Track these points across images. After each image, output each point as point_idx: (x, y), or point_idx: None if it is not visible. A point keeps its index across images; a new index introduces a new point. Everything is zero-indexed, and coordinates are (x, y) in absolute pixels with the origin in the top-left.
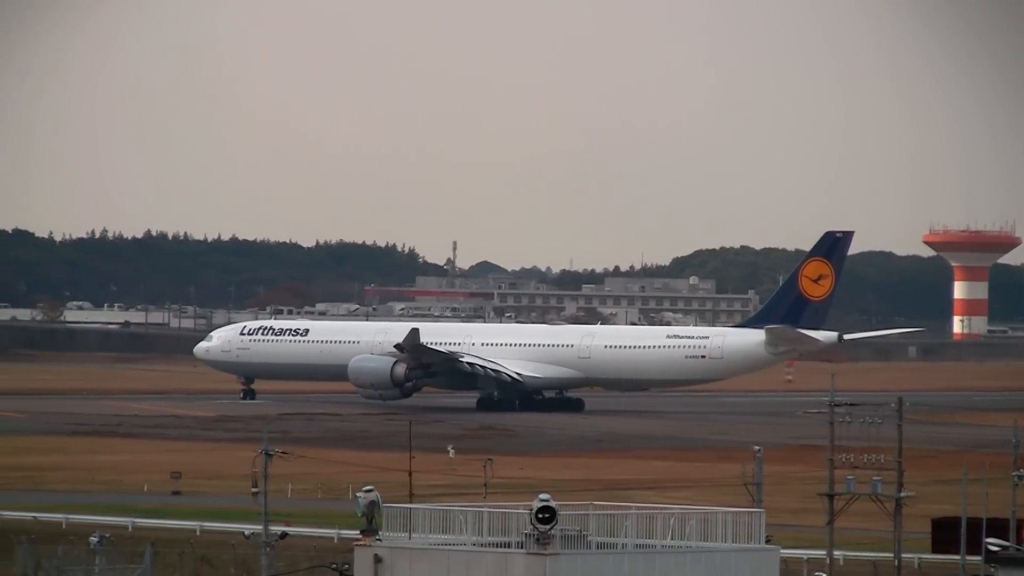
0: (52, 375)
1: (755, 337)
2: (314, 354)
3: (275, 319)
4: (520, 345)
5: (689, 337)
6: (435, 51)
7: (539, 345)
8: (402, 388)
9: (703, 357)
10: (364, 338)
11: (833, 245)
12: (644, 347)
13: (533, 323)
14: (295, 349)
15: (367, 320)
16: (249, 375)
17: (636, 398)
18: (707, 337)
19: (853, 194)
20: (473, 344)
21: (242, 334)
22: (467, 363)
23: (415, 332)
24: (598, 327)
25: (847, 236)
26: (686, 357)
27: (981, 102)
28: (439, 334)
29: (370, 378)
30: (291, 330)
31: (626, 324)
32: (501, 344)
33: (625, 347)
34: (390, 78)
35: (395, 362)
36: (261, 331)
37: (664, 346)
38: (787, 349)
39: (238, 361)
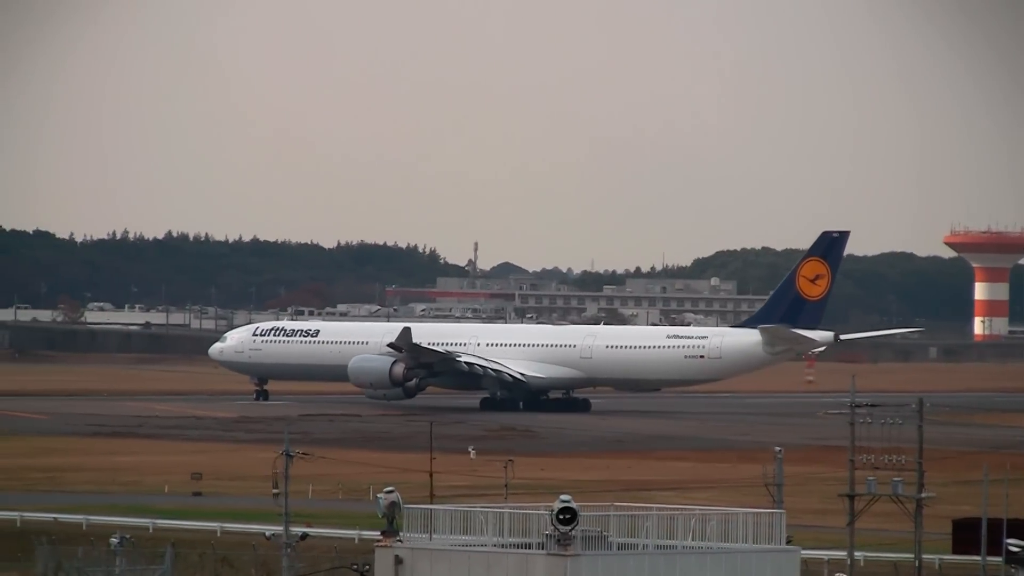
0: (73, 376)
1: (753, 337)
2: (324, 355)
3: (290, 320)
4: (523, 345)
5: (688, 337)
6: (457, 54)
7: (542, 345)
8: (405, 388)
9: (702, 357)
10: (373, 339)
11: (830, 245)
12: (644, 347)
13: (538, 324)
14: (305, 350)
15: (386, 320)
16: (261, 376)
17: (650, 399)
18: (706, 337)
19: (873, 195)
20: (478, 344)
21: (254, 335)
22: (465, 363)
23: (407, 331)
24: (600, 327)
25: (843, 236)
26: (685, 357)
27: (1001, 103)
28: (445, 335)
29: (369, 377)
30: (302, 331)
31: (647, 325)
32: (505, 344)
33: (626, 347)
34: (411, 81)
35: (394, 362)
36: (273, 332)
37: (664, 346)
38: (784, 349)
39: (250, 362)
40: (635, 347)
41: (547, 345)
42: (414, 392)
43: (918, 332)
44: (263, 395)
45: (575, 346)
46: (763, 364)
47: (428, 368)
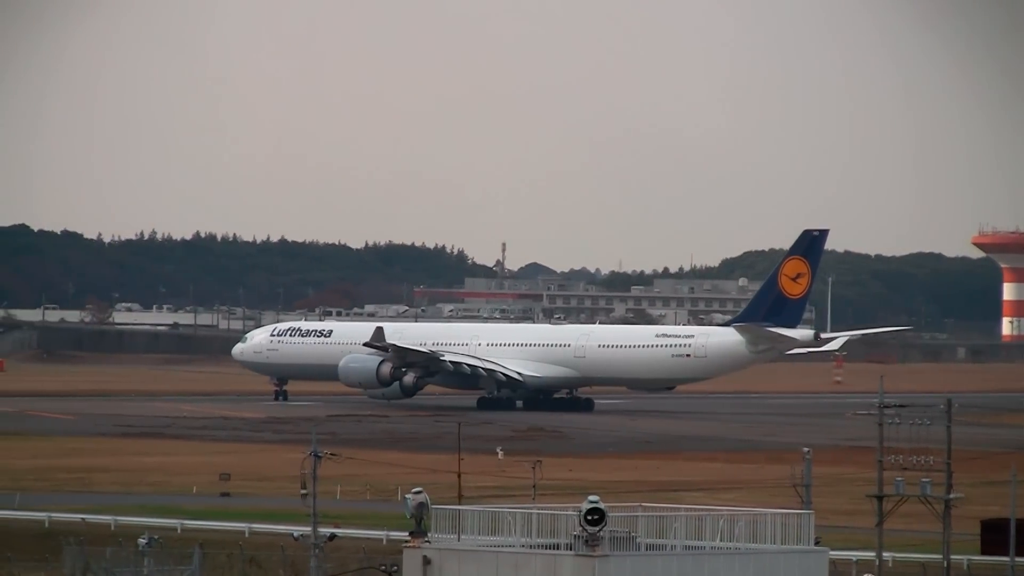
0: (101, 377)
1: (737, 336)
2: (336, 355)
3: (305, 320)
4: (522, 345)
5: (676, 336)
6: (482, 57)
7: (540, 345)
8: (403, 387)
9: (688, 356)
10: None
11: (811, 244)
12: (634, 346)
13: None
14: (319, 350)
15: (413, 320)
16: (277, 375)
17: (673, 400)
18: (692, 336)
19: (901, 195)
20: (479, 344)
21: (272, 335)
22: (449, 362)
23: (379, 331)
24: (594, 327)
25: (823, 234)
26: (672, 356)
27: None
28: (449, 335)
29: (358, 377)
30: (316, 331)
31: (675, 324)
32: (505, 344)
33: (617, 346)
34: (438, 83)
35: (381, 361)
36: (289, 332)
37: (653, 345)
38: (767, 348)
39: (268, 362)
40: (625, 346)
41: (543, 345)
42: (412, 392)
43: (907, 331)
44: (283, 395)
45: (569, 345)
46: (747, 363)
47: (425, 368)
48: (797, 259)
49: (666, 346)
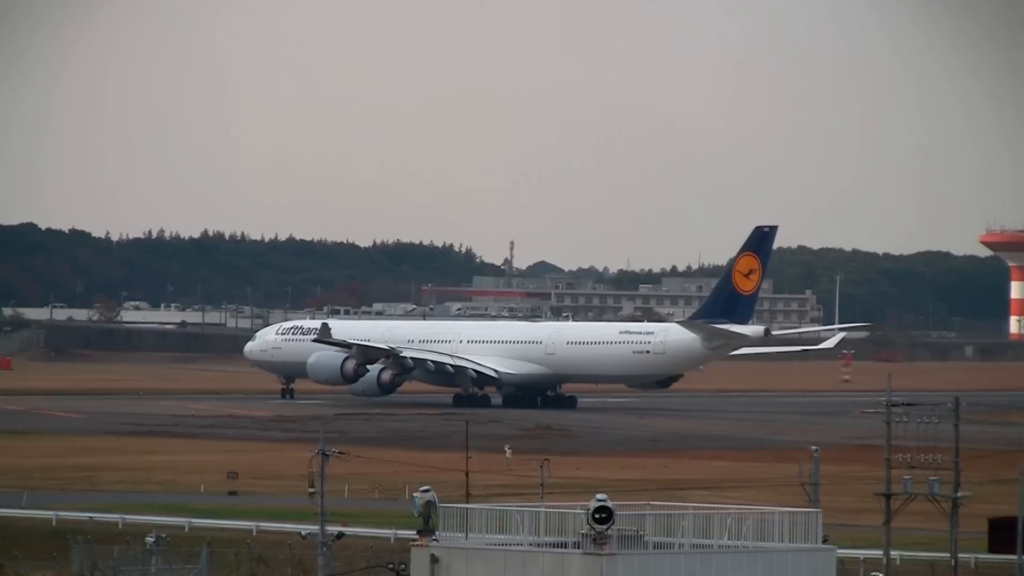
0: (109, 375)
1: (693, 332)
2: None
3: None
4: (499, 342)
5: (637, 333)
6: (490, 55)
7: (514, 342)
8: (381, 385)
9: (648, 352)
10: (374, 335)
11: (761, 240)
12: (599, 343)
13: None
14: (317, 348)
15: (421, 319)
16: (283, 373)
17: (677, 398)
18: (652, 333)
19: (909, 194)
20: (461, 342)
21: (277, 333)
22: (410, 359)
23: (325, 327)
24: (564, 323)
25: (773, 230)
26: (634, 352)
27: None
28: (432, 332)
29: (324, 374)
30: (316, 329)
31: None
32: (484, 342)
33: (584, 343)
34: (449, 79)
35: (345, 358)
36: (292, 330)
37: (616, 342)
38: (721, 344)
39: (272, 360)
40: (591, 343)
41: (518, 342)
42: (390, 389)
43: (865, 328)
44: (289, 394)
45: (541, 343)
46: (704, 359)
47: (400, 366)
48: (749, 255)
49: (628, 343)
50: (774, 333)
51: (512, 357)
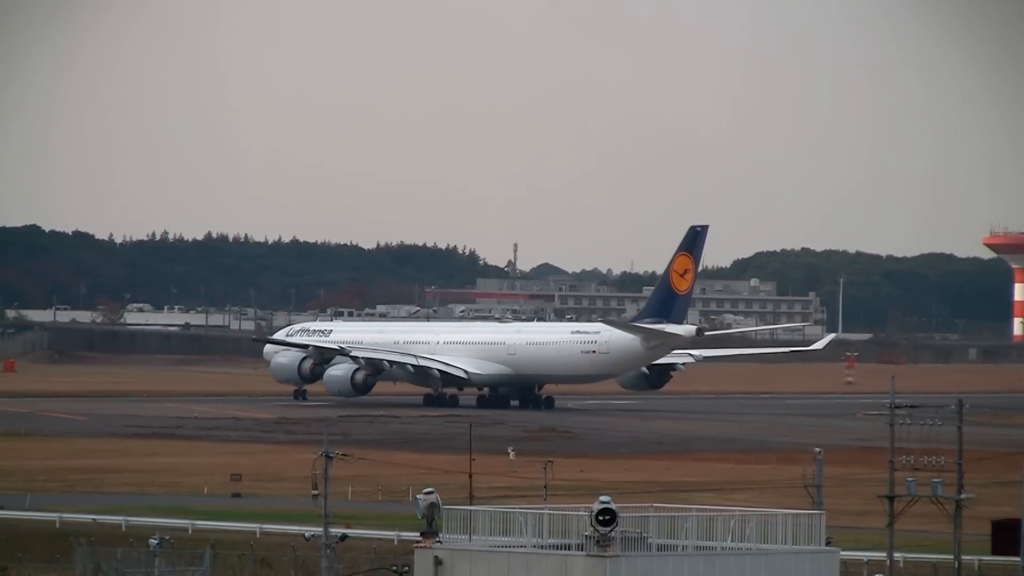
0: (112, 377)
1: (628, 333)
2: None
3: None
4: (471, 343)
5: (586, 333)
6: (493, 57)
7: (484, 343)
8: (355, 385)
9: (594, 352)
10: (367, 337)
11: (694, 239)
12: (553, 343)
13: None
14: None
15: (425, 320)
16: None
17: (680, 400)
18: (599, 332)
19: (913, 196)
20: (439, 343)
21: (287, 336)
22: (363, 358)
23: (260, 327)
24: (527, 324)
25: (704, 230)
26: (582, 352)
27: None
28: (416, 334)
29: (284, 374)
30: (319, 331)
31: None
32: (459, 343)
33: (539, 343)
34: (452, 82)
35: (303, 358)
36: (300, 332)
37: (568, 342)
38: (658, 343)
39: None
40: (546, 343)
41: (487, 343)
42: (364, 389)
43: (794, 327)
44: (302, 395)
45: (505, 343)
46: (644, 358)
47: (373, 367)
48: (684, 255)
49: (577, 343)
50: (706, 334)
51: (481, 358)
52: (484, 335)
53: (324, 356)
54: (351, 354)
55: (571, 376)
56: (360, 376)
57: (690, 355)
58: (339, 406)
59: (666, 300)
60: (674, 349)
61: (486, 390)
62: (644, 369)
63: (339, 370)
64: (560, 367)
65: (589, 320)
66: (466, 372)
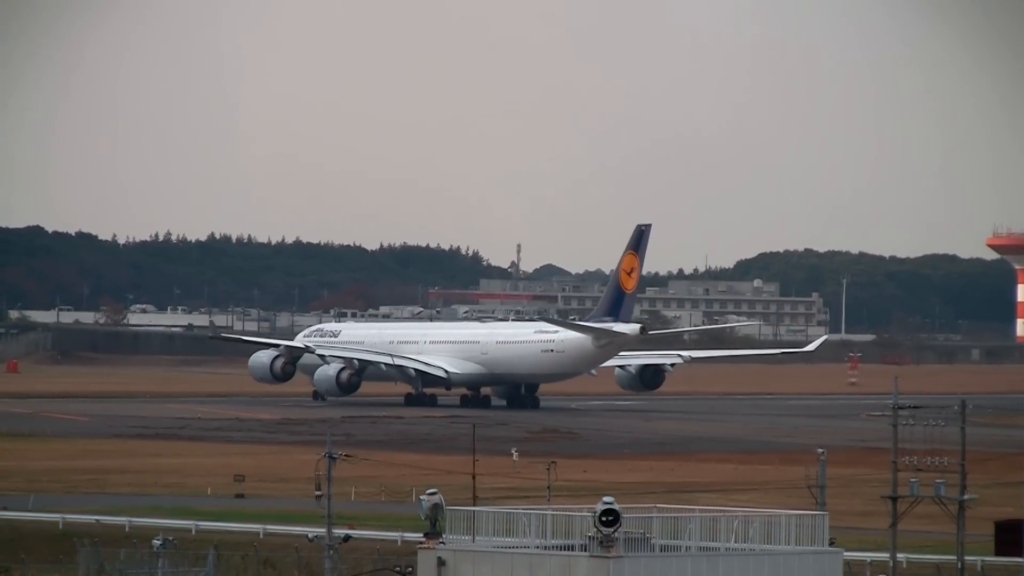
0: (115, 378)
1: (579, 333)
2: None
3: (321, 322)
4: (452, 343)
5: (545, 332)
6: (498, 58)
7: (462, 343)
8: (340, 385)
9: (552, 352)
10: (370, 337)
11: (639, 238)
12: (518, 342)
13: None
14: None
15: (429, 320)
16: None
17: (676, 401)
18: (557, 332)
19: (916, 197)
20: (426, 343)
21: (305, 336)
22: (322, 355)
23: (213, 326)
24: (500, 324)
25: (647, 228)
26: (541, 352)
27: None
28: (406, 335)
29: (258, 372)
30: (331, 332)
31: (690, 327)
32: (442, 343)
33: (507, 343)
34: (453, 83)
35: (274, 357)
36: (314, 333)
37: (531, 341)
38: (606, 342)
39: (301, 363)
40: (513, 343)
41: (465, 343)
42: (348, 388)
43: (740, 326)
44: (321, 397)
45: (479, 343)
46: (596, 357)
47: (356, 367)
48: (631, 254)
49: (538, 342)
50: (650, 332)
51: (461, 358)
52: (461, 335)
53: (294, 355)
54: (315, 352)
55: (534, 375)
56: (345, 376)
57: (679, 356)
58: (338, 406)
59: (616, 299)
60: (622, 348)
61: (484, 390)
62: (633, 369)
63: (329, 370)
64: (524, 366)
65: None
66: (446, 372)
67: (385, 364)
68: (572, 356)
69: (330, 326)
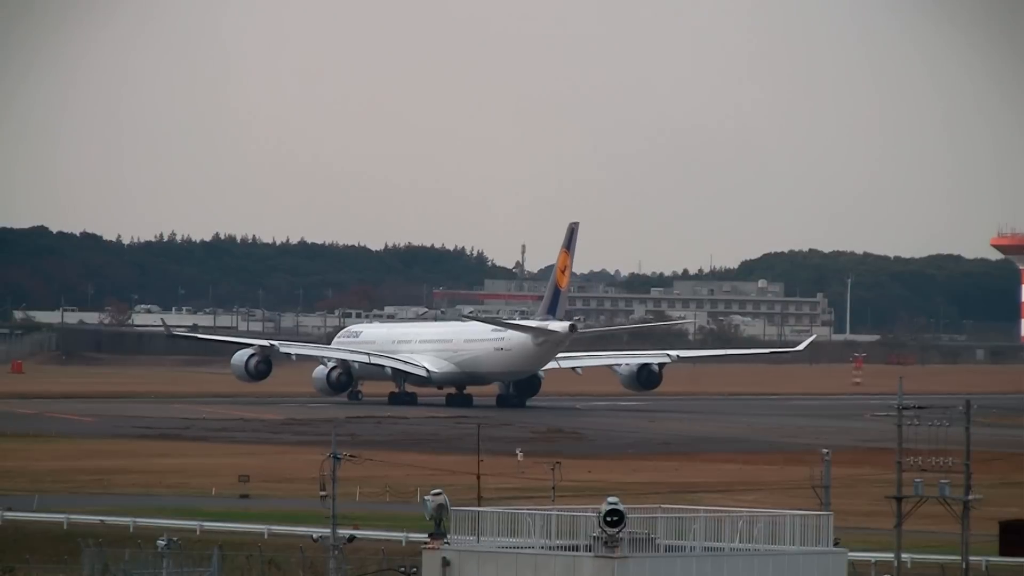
0: (120, 378)
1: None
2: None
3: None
4: (436, 342)
5: (498, 331)
6: (501, 58)
7: (440, 342)
8: (330, 384)
9: (502, 350)
10: (379, 337)
11: (571, 236)
12: (479, 341)
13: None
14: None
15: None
16: None
17: (675, 402)
18: (508, 331)
19: (921, 197)
20: (417, 342)
21: (339, 337)
22: (293, 355)
23: (165, 324)
24: (469, 323)
25: (576, 226)
26: (494, 350)
27: None
28: (402, 335)
29: (236, 371)
30: (353, 333)
31: (693, 327)
32: (428, 342)
33: (471, 341)
34: (459, 84)
35: (249, 356)
36: (343, 335)
37: (487, 340)
38: (543, 340)
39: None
40: (476, 341)
41: (441, 341)
42: (339, 388)
43: (681, 324)
44: (355, 396)
45: (452, 341)
46: (539, 355)
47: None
48: (564, 252)
49: (492, 341)
50: (580, 330)
51: (440, 356)
52: (444, 334)
53: (266, 354)
54: (281, 351)
55: (492, 374)
56: (335, 375)
57: (667, 355)
58: (338, 406)
59: (553, 297)
60: (559, 346)
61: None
62: (632, 369)
63: (323, 370)
64: (482, 365)
65: (596, 321)
66: (427, 370)
67: (359, 363)
68: (518, 354)
69: (356, 327)
